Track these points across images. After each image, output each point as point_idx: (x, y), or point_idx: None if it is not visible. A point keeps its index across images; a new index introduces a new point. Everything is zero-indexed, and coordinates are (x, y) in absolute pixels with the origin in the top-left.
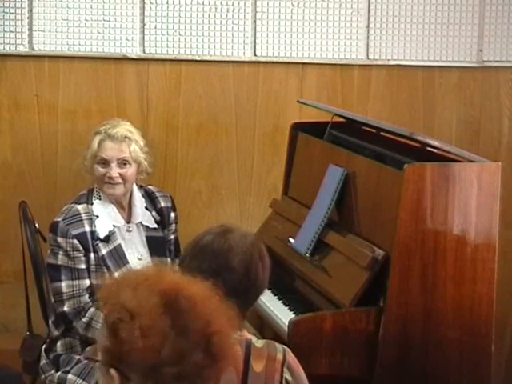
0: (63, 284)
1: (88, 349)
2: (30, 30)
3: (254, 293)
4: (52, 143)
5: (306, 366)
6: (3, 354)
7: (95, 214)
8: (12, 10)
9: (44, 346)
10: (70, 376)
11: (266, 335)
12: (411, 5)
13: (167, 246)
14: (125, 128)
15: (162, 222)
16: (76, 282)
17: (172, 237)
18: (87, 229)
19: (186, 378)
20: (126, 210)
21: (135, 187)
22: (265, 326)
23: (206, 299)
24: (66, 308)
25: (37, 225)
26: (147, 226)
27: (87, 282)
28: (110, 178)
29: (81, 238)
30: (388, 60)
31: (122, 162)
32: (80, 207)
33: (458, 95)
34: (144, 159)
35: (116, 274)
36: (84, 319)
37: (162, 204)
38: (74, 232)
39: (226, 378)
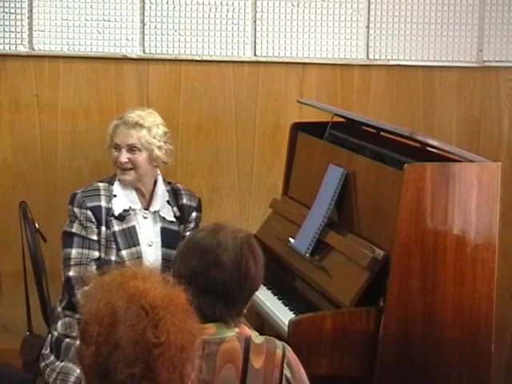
0: (73, 251)
1: None
2: (30, 29)
3: (248, 288)
4: (52, 143)
5: (306, 366)
6: (3, 354)
7: (114, 193)
8: (12, 10)
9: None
10: (73, 366)
11: (266, 335)
12: (411, 5)
13: (180, 240)
14: (138, 114)
15: (182, 217)
16: (86, 251)
17: (187, 233)
18: (103, 204)
19: None
20: (147, 197)
21: (160, 179)
22: (265, 326)
23: (163, 309)
24: (71, 273)
25: (37, 225)
26: (164, 218)
27: (96, 253)
28: (120, 162)
29: (95, 210)
30: (388, 60)
31: (131, 148)
32: (101, 185)
33: (457, 95)
34: (158, 148)
35: (124, 253)
36: (86, 288)
37: (185, 201)
38: (90, 204)
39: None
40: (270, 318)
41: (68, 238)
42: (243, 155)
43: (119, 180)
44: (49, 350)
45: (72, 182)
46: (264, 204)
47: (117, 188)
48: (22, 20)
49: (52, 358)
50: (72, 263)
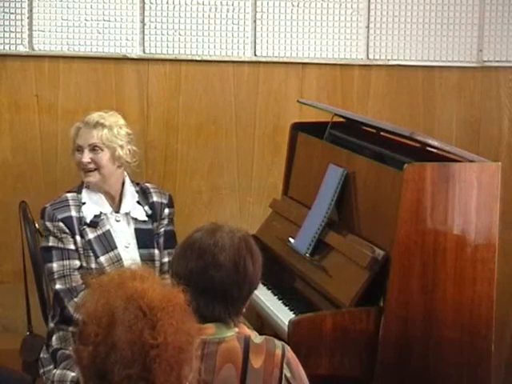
0: (54, 264)
1: None
2: (30, 30)
3: (247, 287)
4: (52, 143)
5: (306, 366)
6: (3, 354)
7: (83, 201)
8: (12, 10)
9: (45, 342)
10: (67, 372)
11: (266, 335)
12: (411, 5)
13: (155, 238)
14: (99, 114)
15: (154, 215)
16: (66, 262)
17: (162, 230)
18: (74, 214)
19: None
20: (116, 200)
21: (128, 181)
22: (265, 326)
23: (161, 310)
24: (57, 286)
25: (37, 225)
26: (136, 219)
27: (77, 262)
28: (83, 163)
29: (66, 221)
30: (388, 60)
31: (94, 148)
32: (69, 195)
33: (458, 95)
34: (120, 147)
35: (103, 259)
36: (76, 299)
37: (155, 199)
38: (60, 216)
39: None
40: (270, 318)
41: (46, 253)
42: (243, 155)
43: (86, 186)
44: (48, 355)
45: (72, 182)
46: (264, 204)
47: (85, 195)
48: (22, 20)
49: (51, 366)
50: (56, 276)
